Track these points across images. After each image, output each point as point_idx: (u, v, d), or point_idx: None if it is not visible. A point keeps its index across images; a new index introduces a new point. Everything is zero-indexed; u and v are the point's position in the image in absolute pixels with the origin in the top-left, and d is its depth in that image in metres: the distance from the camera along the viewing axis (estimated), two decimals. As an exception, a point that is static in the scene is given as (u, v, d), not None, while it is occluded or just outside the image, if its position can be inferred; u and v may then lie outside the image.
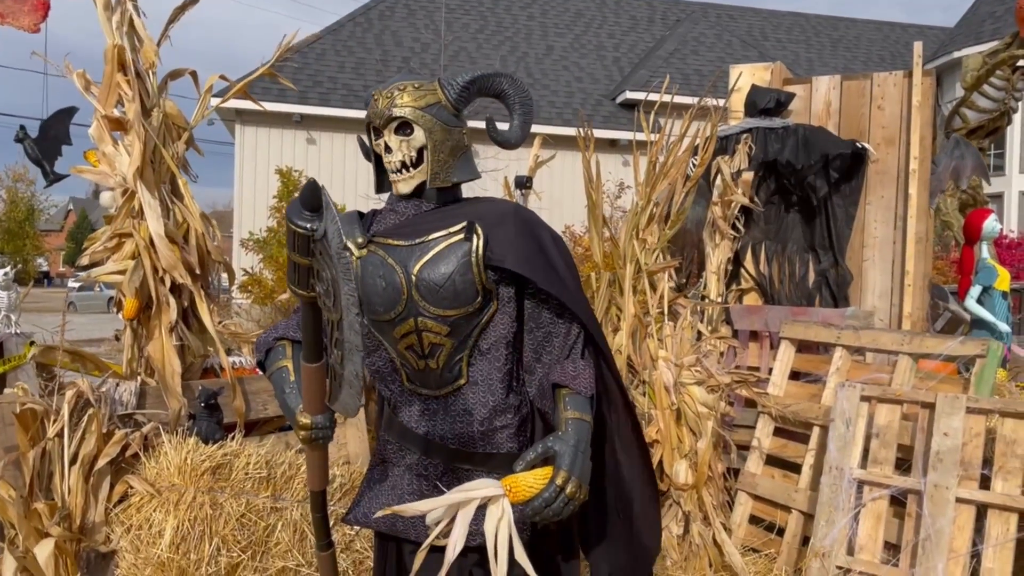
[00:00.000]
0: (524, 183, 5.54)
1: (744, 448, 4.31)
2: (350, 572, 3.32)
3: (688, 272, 5.63)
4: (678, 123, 4.70)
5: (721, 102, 5.50)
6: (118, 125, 3.82)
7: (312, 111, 14.90)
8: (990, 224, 6.03)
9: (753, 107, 5.63)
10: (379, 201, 2.10)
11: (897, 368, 3.92)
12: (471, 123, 2.05)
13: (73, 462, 3.20)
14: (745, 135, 5.44)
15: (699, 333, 4.34)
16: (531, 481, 1.74)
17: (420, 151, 1.94)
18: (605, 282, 4.50)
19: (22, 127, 4.69)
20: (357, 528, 3.36)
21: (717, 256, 5.31)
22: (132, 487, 3.27)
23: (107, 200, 3.98)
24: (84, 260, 3.88)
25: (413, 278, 1.89)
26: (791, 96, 5.67)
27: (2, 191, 41.88)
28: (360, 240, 1.97)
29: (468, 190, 2.12)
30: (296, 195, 1.70)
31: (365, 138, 2.06)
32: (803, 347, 4.44)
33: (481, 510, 1.77)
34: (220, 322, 4.14)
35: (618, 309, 4.42)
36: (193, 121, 4.14)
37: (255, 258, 12.06)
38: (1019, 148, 20.11)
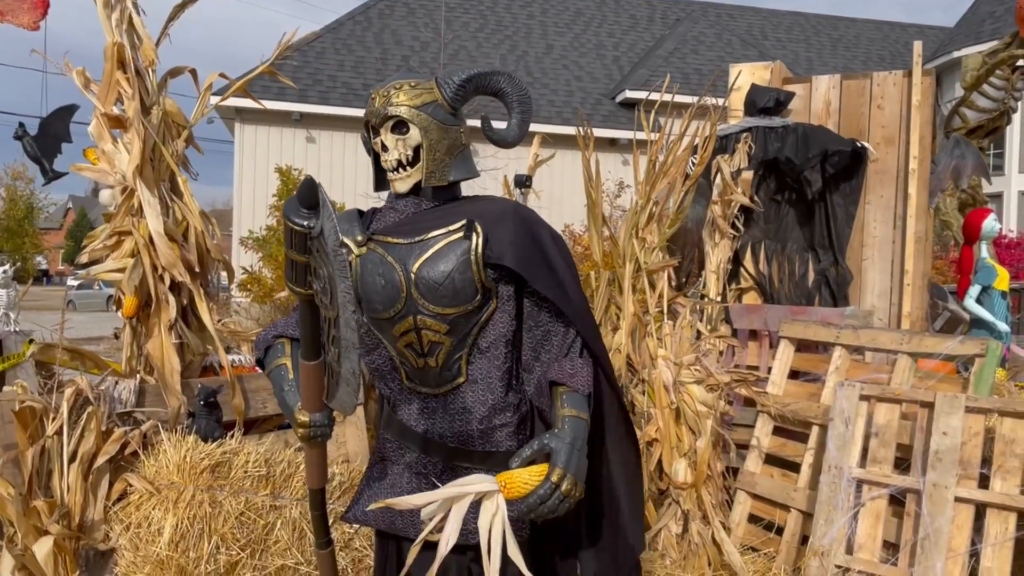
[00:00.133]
0: (524, 182, 5.54)
1: (743, 447, 4.31)
2: (349, 570, 3.32)
3: (688, 271, 5.63)
4: (678, 122, 4.70)
5: (721, 101, 5.50)
6: (117, 123, 3.82)
7: (312, 109, 14.90)
8: (989, 224, 6.03)
9: (753, 106, 5.63)
10: (379, 199, 2.10)
11: (896, 367, 3.92)
12: (472, 122, 2.05)
13: (72, 460, 3.20)
14: (745, 134, 5.44)
15: (698, 332, 4.34)
16: (526, 478, 1.74)
17: (416, 150, 1.94)
18: (604, 281, 4.50)
19: (21, 124, 4.69)
20: (356, 526, 3.36)
21: (717, 255, 5.31)
22: (131, 485, 3.27)
23: (106, 198, 3.98)
24: (83, 258, 3.88)
25: (412, 276, 1.89)
26: (791, 95, 5.67)
27: (1, 189, 41.85)
28: (359, 238, 1.97)
29: (468, 188, 2.12)
30: (294, 193, 1.70)
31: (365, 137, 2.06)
32: (802, 346, 4.44)
33: (479, 507, 1.77)
34: (219, 320, 4.14)
35: (617, 308, 4.42)
36: (193, 119, 4.14)
37: (254, 256, 12.07)
38: (1018, 148, 20.12)
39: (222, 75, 4.21)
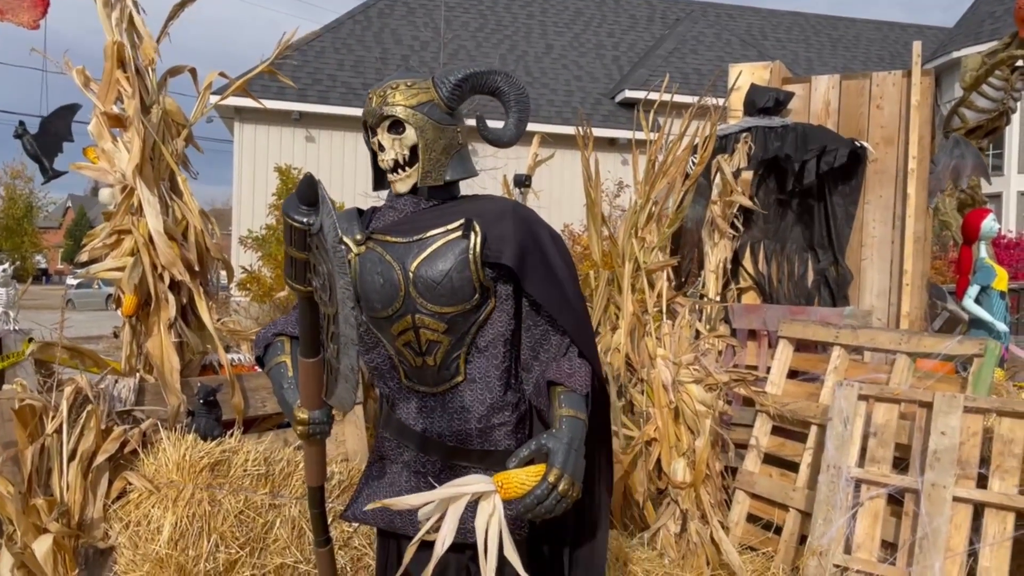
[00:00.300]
0: (523, 182, 5.55)
1: (742, 447, 4.32)
2: (348, 569, 3.32)
3: (687, 271, 5.63)
4: (677, 122, 4.71)
5: (720, 101, 5.51)
6: (117, 122, 3.82)
7: (311, 109, 14.90)
8: (988, 224, 6.03)
9: (752, 106, 5.63)
10: (378, 199, 2.11)
11: (895, 367, 3.93)
12: (471, 122, 2.05)
13: (72, 458, 3.20)
14: (744, 134, 5.44)
15: (697, 332, 4.34)
16: (523, 478, 1.74)
17: (413, 149, 1.94)
18: (604, 280, 4.50)
19: (21, 123, 4.69)
20: (355, 525, 3.36)
21: (716, 255, 5.32)
22: (131, 483, 3.27)
23: (106, 197, 3.98)
24: (83, 256, 3.88)
25: (411, 275, 1.89)
26: (790, 95, 5.67)
27: (0, 188, 41.81)
28: (359, 237, 1.97)
29: (467, 188, 2.12)
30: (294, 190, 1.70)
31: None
32: (801, 346, 4.45)
33: (477, 506, 1.77)
34: (219, 319, 4.14)
35: (616, 307, 4.42)
36: (192, 118, 4.14)
37: (254, 256, 12.07)
38: (1018, 148, 20.14)
39: (222, 74, 4.21)
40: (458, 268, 1.87)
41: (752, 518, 4.16)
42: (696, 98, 4.83)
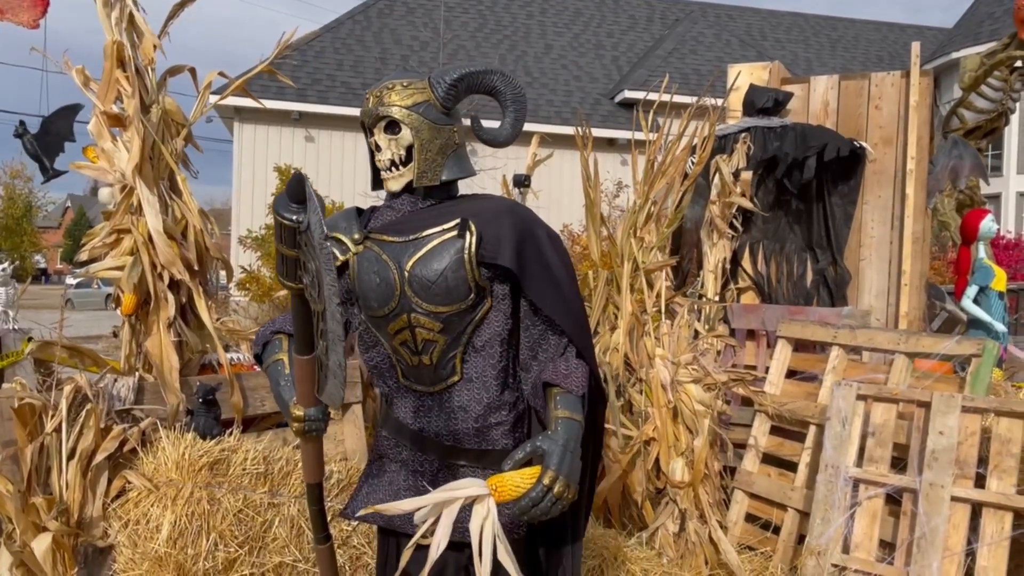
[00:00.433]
0: (522, 182, 5.55)
1: (740, 446, 4.32)
2: (347, 568, 3.33)
3: (687, 271, 5.64)
4: (676, 122, 4.71)
5: (719, 101, 5.51)
6: (117, 121, 3.82)
7: (311, 109, 14.90)
8: (987, 224, 6.04)
9: (751, 106, 5.64)
10: (378, 198, 2.11)
11: (893, 367, 3.93)
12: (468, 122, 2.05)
13: (71, 457, 3.20)
14: (744, 134, 5.45)
15: (696, 331, 4.35)
16: (518, 480, 1.73)
17: (409, 149, 1.94)
18: (603, 280, 4.51)
19: (21, 122, 4.69)
20: (354, 524, 3.37)
21: (715, 255, 5.32)
22: (130, 482, 3.27)
23: (105, 196, 3.98)
24: (83, 256, 3.88)
25: (406, 274, 1.90)
26: (789, 95, 5.68)
27: (0, 187, 41.78)
28: (356, 236, 1.98)
29: (467, 187, 2.12)
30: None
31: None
32: (800, 346, 4.46)
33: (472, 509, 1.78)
34: (218, 319, 4.14)
35: (615, 307, 4.43)
36: (192, 118, 4.14)
37: (253, 255, 12.07)
38: (1017, 149, 20.16)
39: (221, 74, 4.22)
40: (453, 268, 1.87)
41: (750, 518, 4.16)
42: (695, 98, 4.83)
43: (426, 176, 1.95)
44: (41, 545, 3.05)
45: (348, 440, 4.00)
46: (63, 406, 3.22)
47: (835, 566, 3.44)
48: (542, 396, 1.91)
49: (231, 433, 3.59)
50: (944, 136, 6.31)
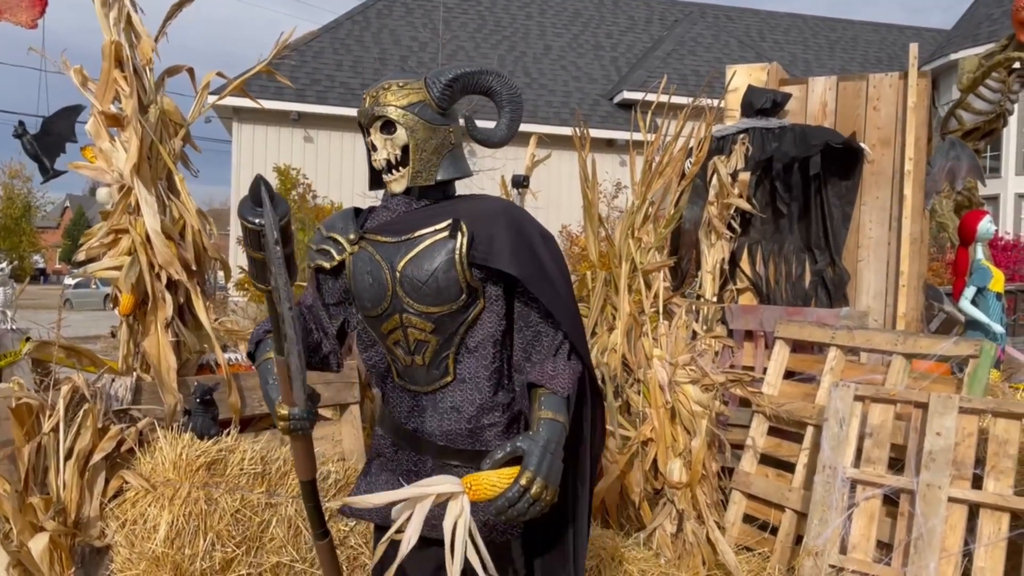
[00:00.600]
0: (521, 182, 5.55)
1: (738, 447, 4.33)
2: (345, 568, 3.33)
3: (685, 271, 5.64)
4: (675, 123, 4.71)
5: (717, 102, 5.52)
6: (115, 121, 3.82)
7: (310, 109, 14.90)
8: (985, 226, 6.05)
9: (749, 107, 5.64)
10: (376, 198, 2.12)
11: (891, 368, 3.93)
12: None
13: (68, 457, 3.20)
14: (742, 135, 5.45)
15: (694, 332, 4.35)
16: (495, 480, 1.73)
17: (405, 149, 1.94)
18: (601, 281, 4.51)
19: (21, 123, 4.69)
20: (351, 524, 3.37)
21: (713, 256, 5.33)
22: (127, 482, 3.27)
23: (104, 196, 3.98)
24: (81, 256, 3.88)
25: (397, 274, 1.90)
26: (787, 96, 5.68)
27: (-2, 188, 41.74)
28: (352, 237, 1.99)
29: (465, 188, 2.12)
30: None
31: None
32: (798, 347, 4.46)
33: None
34: (216, 319, 4.15)
35: (613, 308, 4.43)
36: (190, 118, 4.14)
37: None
38: (1015, 150, 20.18)
39: (220, 74, 4.22)
40: (444, 268, 1.87)
41: (748, 518, 4.17)
42: (692, 99, 4.84)
43: (421, 176, 1.95)
44: (38, 545, 3.05)
45: (346, 440, 4.00)
46: (60, 406, 3.22)
47: (832, 567, 3.44)
48: (528, 397, 1.91)
49: (228, 433, 3.59)
50: (942, 137, 6.31)
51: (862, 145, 5.43)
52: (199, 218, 4.06)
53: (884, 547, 3.44)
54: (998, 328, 5.87)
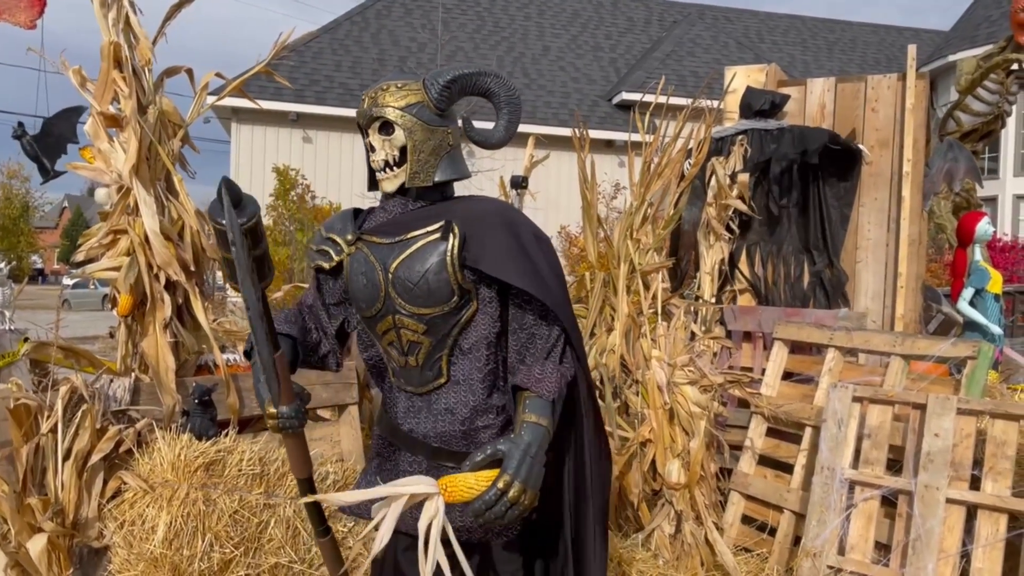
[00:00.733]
0: (520, 183, 5.56)
1: (737, 448, 4.33)
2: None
3: (684, 273, 5.64)
4: (673, 124, 4.72)
5: (716, 103, 5.52)
6: (114, 122, 3.82)
7: (308, 110, 14.90)
8: (983, 227, 6.06)
9: (748, 109, 5.64)
10: (374, 199, 2.12)
11: (889, 369, 3.94)
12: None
13: (66, 458, 3.20)
14: (740, 136, 5.46)
15: (693, 333, 4.35)
16: (472, 482, 1.72)
17: (403, 150, 1.94)
18: (599, 282, 4.51)
19: (20, 124, 4.69)
20: (350, 524, 3.37)
21: (711, 257, 5.33)
22: (125, 483, 3.27)
23: (102, 197, 3.98)
24: (79, 256, 3.88)
25: (390, 276, 1.91)
26: (786, 98, 5.68)
27: (-3, 188, 41.71)
28: (349, 237, 2.00)
29: (464, 189, 2.12)
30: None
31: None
32: (796, 348, 4.46)
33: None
34: (214, 319, 4.15)
35: (612, 309, 4.43)
36: (189, 118, 4.14)
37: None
38: (1013, 152, 20.19)
39: (218, 75, 4.22)
40: (435, 270, 1.87)
41: (746, 519, 4.17)
42: (691, 100, 4.84)
43: (418, 177, 1.95)
44: (36, 546, 3.05)
45: (344, 441, 4.00)
46: (59, 407, 3.22)
47: (831, 568, 3.44)
48: (513, 400, 1.90)
49: (227, 434, 3.59)
50: (940, 139, 6.32)
51: (860, 146, 5.43)
52: (198, 219, 4.06)
53: (882, 548, 3.45)
54: (996, 329, 5.87)
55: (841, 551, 3.48)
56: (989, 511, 3.19)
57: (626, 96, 16.11)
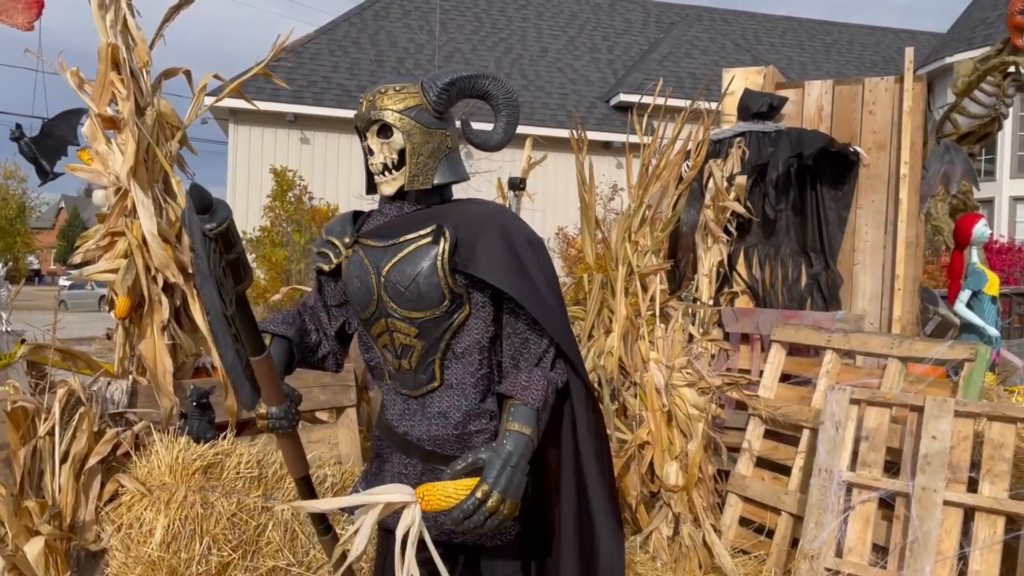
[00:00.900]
0: (517, 185, 5.56)
1: (734, 450, 4.33)
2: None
3: (683, 275, 5.65)
4: (671, 126, 4.72)
5: (714, 105, 5.53)
6: (112, 124, 3.82)
7: (306, 111, 14.88)
8: (980, 229, 6.07)
9: (746, 111, 5.65)
10: (372, 202, 2.12)
11: (886, 371, 3.94)
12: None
13: (64, 460, 3.19)
14: (738, 139, 5.46)
15: (690, 335, 4.36)
16: (450, 491, 1.71)
17: (401, 153, 1.94)
18: (597, 284, 4.51)
19: (18, 125, 4.69)
20: (350, 527, 3.36)
21: (709, 259, 5.34)
22: (123, 486, 3.26)
23: (100, 198, 3.97)
24: (77, 258, 3.87)
25: (382, 279, 1.91)
26: (784, 100, 5.69)
27: (-7, 188, 41.63)
28: (347, 240, 2.00)
29: (462, 191, 2.12)
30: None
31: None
32: (793, 350, 4.46)
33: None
34: (212, 321, 4.13)
35: (610, 311, 4.44)
36: (187, 120, 4.14)
37: (248, 257, 12.06)
38: (1010, 154, 20.22)
39: (216, 76, 4.21)
40: (426, 274, 1.86)
41: (744, 521, 4.17)
42: (690, 102, 4.85)
43: (417, 180, 1.95)
44: (33, 549, 3.04)
45: (342, 443, 4.00)
46: (56, 409, 3.21)
47: (828, 570, 3.45)
48: (498, 408, 1.90)
49: (225, 437, 3.58)
50: (937, 141, 6.33)
51: (858, 149, 5.44)
52: (196, 220, 4.05)
53: (880, 550, 3.45)
54: (993, 331, 5.88)
55: (839, 553, 3.48)
56: (986, 513, 3.19)
57: (624, 98, 16.11)
